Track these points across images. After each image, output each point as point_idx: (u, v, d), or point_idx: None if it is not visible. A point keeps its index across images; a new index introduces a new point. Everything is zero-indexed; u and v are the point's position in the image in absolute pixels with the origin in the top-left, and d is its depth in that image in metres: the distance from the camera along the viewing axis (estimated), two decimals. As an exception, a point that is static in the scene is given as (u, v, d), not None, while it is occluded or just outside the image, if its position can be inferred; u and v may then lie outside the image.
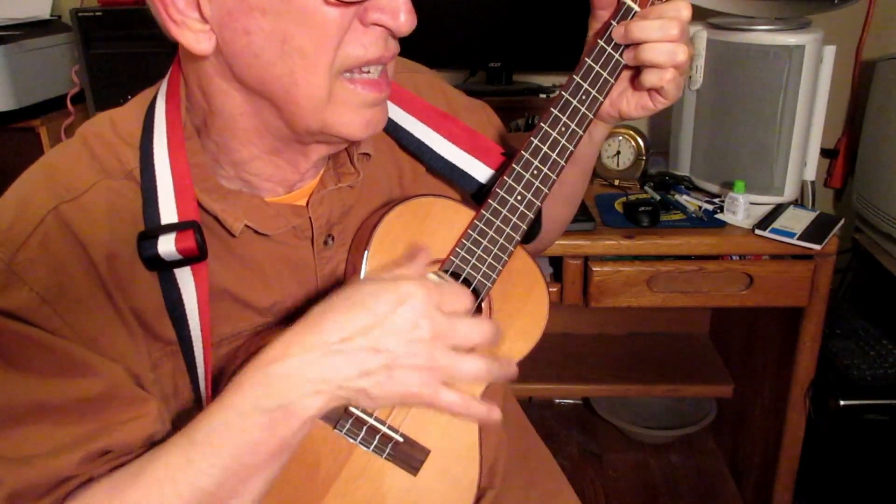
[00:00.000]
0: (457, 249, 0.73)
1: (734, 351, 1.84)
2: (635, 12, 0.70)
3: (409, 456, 0.72)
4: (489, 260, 0.73)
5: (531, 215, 0.73)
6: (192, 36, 0.59)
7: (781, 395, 1.50)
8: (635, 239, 1.35)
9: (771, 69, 1.35)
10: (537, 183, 0.72)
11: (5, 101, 1.50)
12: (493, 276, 0.74)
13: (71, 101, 1.61)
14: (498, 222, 0.73)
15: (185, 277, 0.64)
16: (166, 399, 0.67)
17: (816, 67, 1.36)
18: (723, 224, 1.38)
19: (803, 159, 1.44)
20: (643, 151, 1.54)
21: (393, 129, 0.78)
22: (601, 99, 0.72)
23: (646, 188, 1.52)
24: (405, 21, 0.60)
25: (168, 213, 0.63)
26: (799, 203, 1.47)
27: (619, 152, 1.56)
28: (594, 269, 1.37)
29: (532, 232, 0.77)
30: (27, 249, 0.61)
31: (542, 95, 1.76)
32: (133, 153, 0.65)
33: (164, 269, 0.64)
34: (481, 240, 0.73)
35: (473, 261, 0.73)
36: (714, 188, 1.49)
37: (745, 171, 1.42)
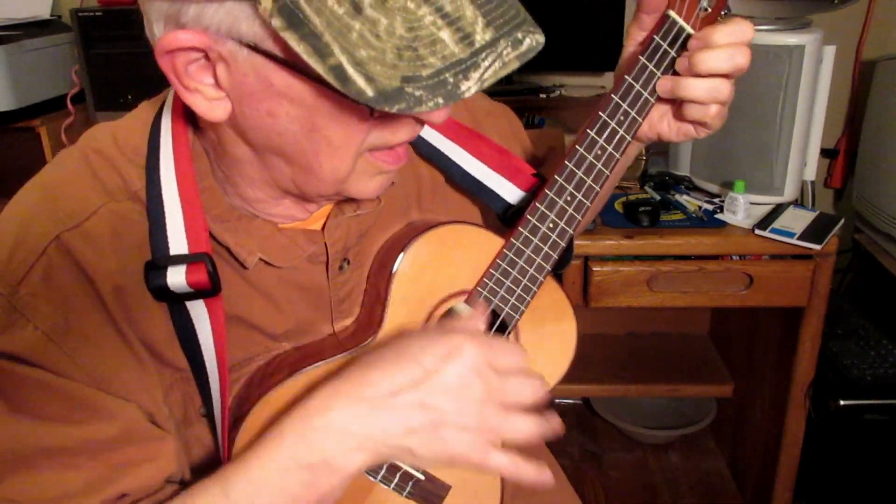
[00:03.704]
0: (485, 280, 0.69)
1: (734, 351, 1.84)
2: (688, 33, 0.65)
3: (430, 493, 0.70)
4: (518, 291, 0.69)
5: (563, 244, 0.69)
6: (206, 104, 0.54)
7: (781, 395, 1.50)
8: (635, 239, 1.35)
9: (771, 69, 1.35)
10: (571, 210, 0.68)
11: (5, 101, 1.50)
12: (522, 307, 0.70)
13: (71, 101, 1.61)
14: (529, 252, 0.68)
15: (197, 309, 0.60)
16: (176, 426, 0.64)
17: (816, 67, 1.36)
18: (723, 224, 1.38)
19: (803, 159, 1.44)
20: (643, 151, 1.54)
21: (415, 141, 0.74)
22: (640, 120, 0.67)
23: (646, 188, 1.52)
24: (441, 119, 0.56)
25: (177, 243, 0.59)
26: (799, 203, 1.47)
27: (619, 152, 1.56)
28: (594, 268, 1.37)
29: (563, 260, 0.73)
30: (29, 283, 0.57)
31: (542, 95, 1.76)
32: (138, 172, 0.61)
33: (173, 300, 0.60)
34: (510, 270, 0.69)
35: (502, 292, 0.69)
36: (714, 188, 1.49)
37: (745, 171, 1.42)
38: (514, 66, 0.50)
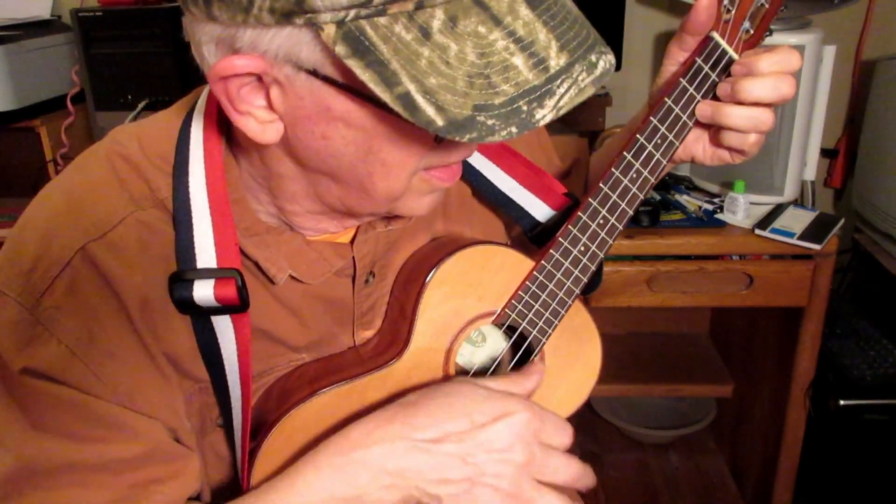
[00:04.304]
0: (513, 302, 0.68)
1: (734, 351, 1.84)
2: (730, 57, 0.64)
3: None
4: (546, 314, 0.69)
5: (593, 267, 0.68)
6: (258, 127, 0.52)
7: (781, 395, 1.50)
8: (635, 239, 1.35)
9: (771, 69, 1.35)
10: (603, 234, 0.67)
11: (5, 101, 1.50)
12: (549, 331, 0.69)
13: (71, 101, 1.61)
14: (559, 275, 0.67)
15: (222, 323, 0.59)
16: (194, 436, 0.63)
17: (816, 67, 1.36)
18: (723, 224, 1.38)
19: (803, 159, 1.44)
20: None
21: None
22: (677, 144, 0.66)
23: (646, 188, 1.52)
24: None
25: (206, 256, 0.57)
26: (799, 203, 1.47)
27: (619, 152, 1.56)
28: (594, 269, 1.37)
29: (592, 284, 0.71)
30: (53, 296, 0.55)
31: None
32: (164, 179, 0.59)
33: (198, 314, 0.58)
34: (540, 293, 0.68)
35: (530, 315, 0.68)
36: (714, 188, 1.49)
37: (745, 170, 1.42)
38: (590, 91, 0.47)
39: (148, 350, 0.58)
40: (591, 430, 2.00)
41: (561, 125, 1.85)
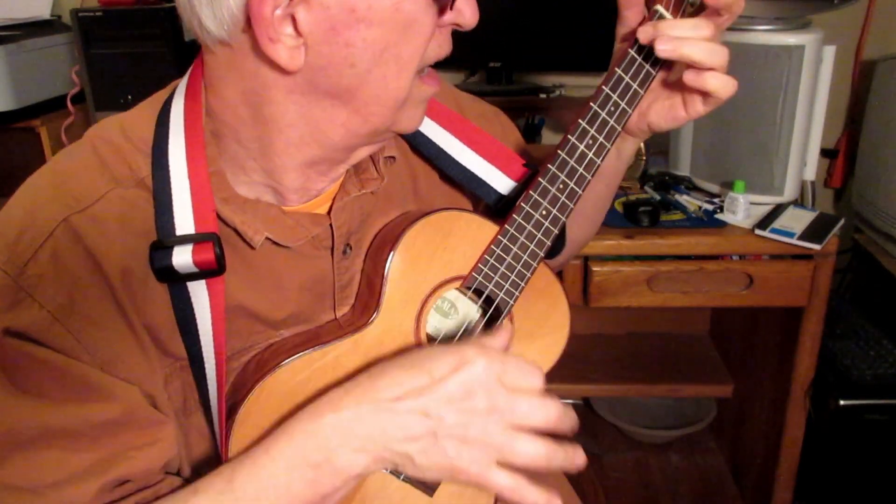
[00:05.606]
0: (479, 266, 0.70)
1: (734, 351, 1.84)
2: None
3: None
4: (512, 277, 0.71)
5: (556, 231, 0.71)
6: (287, 52, 0.55)
7: (781, 395, 1.50)
8: (635, 239, 1.35)
9: (771, 69, 1.35)
10: (563, 198, 0.70)
11: (5, 101, 1.50)
12: (516, 293, 0.72)
13: (71, 101, 1.61)
14: (522, 238, 0.71)
15: (198, 292, 0.61)
16: (176, 415, 0.65)
17: (816, 67, 1.36)
18: (723, 224, 1.38)
19: (803, 159, 1.44)
20: (643, 151, 1.54)
21: (411, 136, 0.74)
22: (630, 111, 0.70)
23: (646, 188, 1.52)
24: (473, 19, 0.61)
25: (184, 223, 0.60)
26: (799, 203, 1.47)
27: (619, 152, 1.56)
28: (594, 268, 1.37)
29: (556, 248, 0.75)
30: (36, 264, 0.57)
31: (542, 95, 1.76)
32: (144, 160, 0.62)
33: (176, 282, 0.61)
34: (505, 256, 0.71)
35: (496, 278, 0.71)
36: (714, 188, 1.49)
37: (745, 171, 1.42)
38: None
39: (128, 319, 0.60)
40: (591, 430, 2.00)
41: (560, 125, 1.85)
